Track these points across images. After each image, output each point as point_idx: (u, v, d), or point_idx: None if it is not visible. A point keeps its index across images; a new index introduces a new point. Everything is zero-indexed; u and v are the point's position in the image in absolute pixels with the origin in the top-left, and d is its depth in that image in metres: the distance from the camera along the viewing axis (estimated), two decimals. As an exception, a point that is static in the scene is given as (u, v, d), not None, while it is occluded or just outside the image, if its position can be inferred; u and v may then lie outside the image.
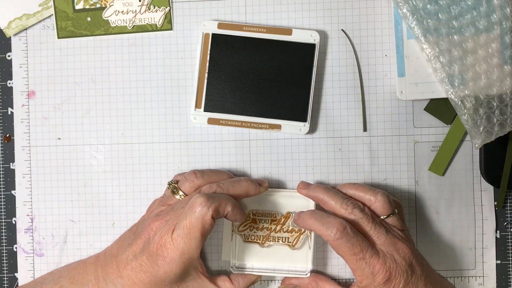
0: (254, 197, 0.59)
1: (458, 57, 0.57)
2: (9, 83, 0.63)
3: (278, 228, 0.59)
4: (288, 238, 0.59)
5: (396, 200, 0.58)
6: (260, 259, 0.60)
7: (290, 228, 0.59)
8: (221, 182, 0.57)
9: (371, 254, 0.52)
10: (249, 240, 0.60)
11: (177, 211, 0.55)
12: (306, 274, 0.59)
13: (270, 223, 0.59)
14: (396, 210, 0.56)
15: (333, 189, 0.57)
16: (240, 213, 0.55)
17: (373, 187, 0.58)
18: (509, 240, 0.62)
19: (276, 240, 0.59)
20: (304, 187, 0.58)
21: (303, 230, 0.59)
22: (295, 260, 0.59)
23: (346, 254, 0.53)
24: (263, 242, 0.59)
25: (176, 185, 0.58)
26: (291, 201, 0.60)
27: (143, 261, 0.54)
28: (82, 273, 0.57)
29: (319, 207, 0.60)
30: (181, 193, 0.57)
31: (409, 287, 0.53)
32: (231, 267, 0.59)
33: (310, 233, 0.59)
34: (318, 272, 0.61)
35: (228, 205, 0.54)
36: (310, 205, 0.59)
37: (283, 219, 0.59)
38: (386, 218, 0.56)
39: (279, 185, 0.61)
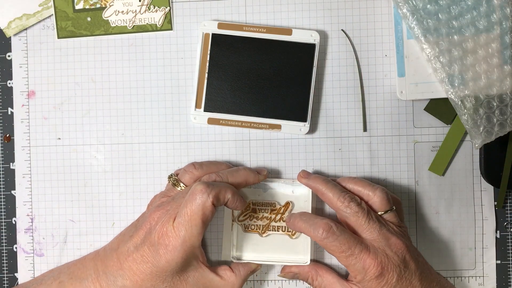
0: (254, 187, 0.60)
1: (458, 57, 0.57)
2: (9, 83, 0.63)
3: (277, 217, 0.60)
4: (288, 227, 0.59)
5: (396, 197, 0.59)
6: (260, 248, 0.60)
7: None
8: (220, 172, 0.57)
9: (360, 249, 0.53)
10: (249, 229, 0.60)
11: (178, 200, 0.55)
12: (306, 262, 0.59)
13: (270, 213, 0.60)
14: (394, 207, 0.56)
15: (332, 181, 0.57)
16: (241, 201, 0.56)
17: (373, 183, 0.58)
18: (509, 240, 0.62)
19: (276, 229, 0.60)
20: (304, 176, 0.58)
21: None
22: (295, 249, 0.59)
23: (335, 252, 0.54)
24: (263, 231, 0.60)
25: (176, 177, 0.58)
26: (291, 191, 0.60)
27: (145, 251, 0.54)
28: (81, 268, 0.58)
29: (318, 198, 0.60)
30: (182, 185, 0.58)
31: (402, 282, 0.53)
32: (232, 257, 0.59)
33: None
34: (318, 261, 0.61)
35: (228, 192, 0.55)
36: (309, 195, 0.59)
37: (282, 209, 0.60)
38: (383, 214, 0.56)
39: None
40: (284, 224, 0.60)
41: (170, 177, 0.59)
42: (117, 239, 0.58)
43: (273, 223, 0.60)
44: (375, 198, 0.56)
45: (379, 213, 0.56)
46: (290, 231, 0.60)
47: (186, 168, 0.59)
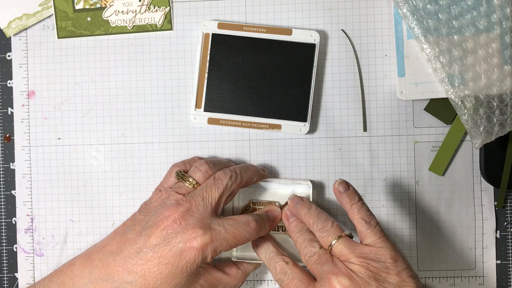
0: (254, 187, 0.60)
1: (458, 57, 0.57)
2: (9, 83, 0.63)
3: None
4: None
5: (365, 214, 0.52)
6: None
7: None
8: (233, 168, 0.56)
9: None
10: None
11: (196, 198, 0.54)
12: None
13: None
14: (341, 235, 0.51)
15: (304, 227, 0.55)
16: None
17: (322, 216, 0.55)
18: (509, 240, 0.62)
19: (276, 229, 0.60)
20: (292, 204, 0.57)
21: None
22: (295, 248, 0.59)
23: None
24: None
25: (185, 173, 0.56)
26: (291, 191, 0.60)
27: (164, 252, 0.52)
28: (73, 278, 0.55)
29: (318, 198, 0.60)
30: (191, 180, 0.56)
31: None
32: (232, 257, 0.59)
33: None
34: None
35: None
36: (310, 194, 0.59)
37: (282, 209, 0.60)
38: (330, 248, 0.52)
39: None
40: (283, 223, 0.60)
41: (178, 173, 0.57)
42: (115, 241, 0.55)
43: None
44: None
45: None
46: None
47: (199, 166, 0.56)
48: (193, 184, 0.56)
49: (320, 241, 0.53)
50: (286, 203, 0.60)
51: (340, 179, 0.55)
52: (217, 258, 0.61)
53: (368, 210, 0.53)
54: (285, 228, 0.60)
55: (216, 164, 0.57)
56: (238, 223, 0.54)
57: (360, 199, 0.53)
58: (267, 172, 0.61)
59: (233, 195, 0.57)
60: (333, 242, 0.51)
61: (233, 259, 0.59)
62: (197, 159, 0.59)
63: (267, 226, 0.57)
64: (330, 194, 0.61)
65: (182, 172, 0.57)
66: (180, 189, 0.56)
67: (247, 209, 0.60)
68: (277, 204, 0.60)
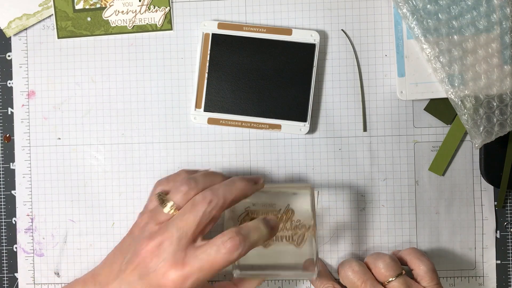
0: (254, 194, 0.56)
1: (458, 57, 0.57)
2: (9, 83, 0.63)
3: (281, 226, 0.56)
4: (292, 236, 0.57)
5: (423, 260, 0.57)
6: (264, 261, 0.56)
7: (294, 225, 0.57)
8: (215, 191, 0.51)
9: None
10: None
11: (170, 230, 0.50)
12: (313, 275, 0.55)
13: None
14: (402, 272, 0.56)
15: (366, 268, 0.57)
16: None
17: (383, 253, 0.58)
18: (509, 240, 0.62)
19: (280, 239, 0.57)
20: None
21: (307, 227, 0.56)
22: (301, 260, 0.56)
23: None
24: (266, 242, 0.56)
25: (165, 196, 0.52)
26: (291, 197, 0.57)
27: None
28: None
29: (319, 197, 0.60)
30: (169, 205, 0.51)
31: None
32: (233, 271, 0.55)
33: (314, 231, 0.56)
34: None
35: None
36: (309, 200, 0.57)
37: (284, 217, 0.58)
38: (387, 284, 0.56)
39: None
40: (288, 233, 0.57)
41: (158, 195, 0.52)
42: (104, 271, 0.52)
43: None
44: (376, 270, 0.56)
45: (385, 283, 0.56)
46: (294, 240, 0.57)
47: (180, 187, 0.52)
48: (173, 209, 0.51)
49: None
50: (287, 207, 0.58)
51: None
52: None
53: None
54: (289, 237, 0.55)
55: (200, 181, 0.52)
56: (211, 248, 0.49)
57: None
58: (263, 181, 0.55)
59: (214, 220, 0.51)
60: (391, 281, 0.55)
61: (234, 274, 0.55)
62: (183, 174, 0.55)
63: (257, 236, 0.51)
64: (330, 194, 0.61)
65: (162, 194, 0.52)
66: (158, 215, 0.51)
67: (245, 218, 0.57)
68: (277, 209, 0.57)
